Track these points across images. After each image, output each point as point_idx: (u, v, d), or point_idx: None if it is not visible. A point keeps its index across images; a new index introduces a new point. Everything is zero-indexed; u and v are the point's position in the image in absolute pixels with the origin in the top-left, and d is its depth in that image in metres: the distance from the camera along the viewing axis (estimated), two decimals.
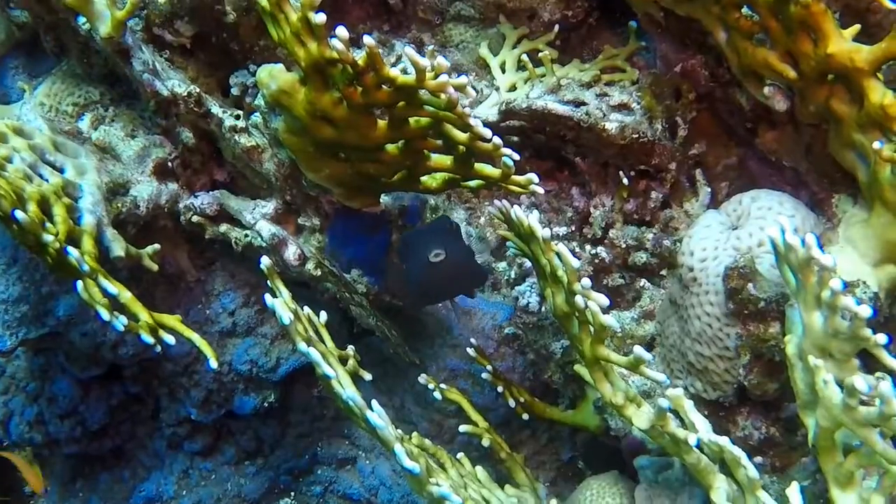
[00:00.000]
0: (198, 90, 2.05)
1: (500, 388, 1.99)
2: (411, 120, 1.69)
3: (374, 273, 2.14)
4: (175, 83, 2.05)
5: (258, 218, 2.15)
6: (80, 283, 1.58)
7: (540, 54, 2.36)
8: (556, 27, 2.44)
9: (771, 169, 2.16)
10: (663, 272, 2.19)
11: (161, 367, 2.43)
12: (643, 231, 2.19)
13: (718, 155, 2.27)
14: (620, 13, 2.47)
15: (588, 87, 2.29)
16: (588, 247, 2.20)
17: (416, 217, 2.16)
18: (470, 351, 2.03)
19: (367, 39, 1.52)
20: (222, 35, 2.15)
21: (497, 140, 1.64)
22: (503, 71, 2.45)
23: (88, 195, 1.91)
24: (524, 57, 2.40)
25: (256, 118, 2.06)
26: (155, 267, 1.99)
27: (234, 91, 2.19)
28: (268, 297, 1.58)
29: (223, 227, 2.20)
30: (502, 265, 2.29)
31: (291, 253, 2.09)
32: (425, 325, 2.23)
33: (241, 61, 2.20)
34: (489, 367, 2.00)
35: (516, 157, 1.68)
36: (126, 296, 1.69)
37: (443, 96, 1.58)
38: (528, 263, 2.18)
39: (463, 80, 1.53)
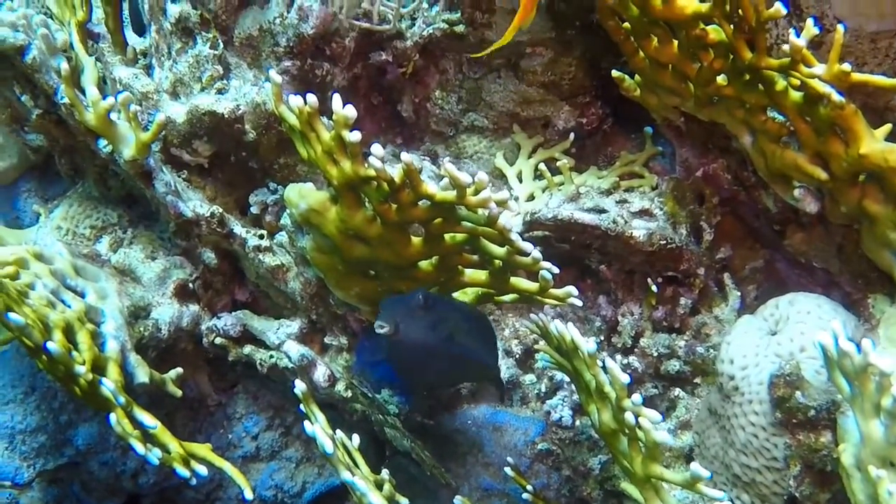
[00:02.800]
0: (220, 210, 2.02)
1: None
2: (447, 236, 1.65)
3: (404, 392, 2.08)
4: (196, 204, 2.02)
5: (283, 338, 2.10)
6: (113, 416, 1.52)
7: (558, 163, 2.35)
8: (572, 135, 2.43)
9: (800, 270, 2.13)
10: (697, 380, 2.14)
11: (181, 495, 2.34)
12: (674, 339, 2.15)
13: (744, 258, 2.24)
14: (634, 119, 2.47)
15: (608, 195, 2.27)
16: (619, 356, 2.15)
17: None
18: (507, 470, 1.96)
19: (405, 156, 1.50)
20: (241, 153, 2.13)
21: (536, 254, 1.60)
22: (520, 181, 2.44)
23: (111, 320, 1.86)
24: (542, 166, 2.38)
25: (282, 237, 2.03)
26: (179, 393, 1.93)
27: (254, 210, 2.15)
28: (307, 424, 1.53)
29: (247, 349, 2.15)
30: (529, 377, 2.23)
31: (321, 374, 2.04)
32: (456, 443, 2.16)
33: (261, 180, 2.18)
34: (529, 488, 1.93)
35: (556, 270, 1.65)
36: (156, 426, 1.62)
37: (483, 212, 1.54)
38: (559, 376, 2.13)
39: (505, 194, 1.50)
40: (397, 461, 2.24)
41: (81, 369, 1.50)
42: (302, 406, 1.68)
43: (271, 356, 2.12)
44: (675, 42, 1.85)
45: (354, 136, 1.54)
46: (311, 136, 1.63)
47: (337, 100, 1.55)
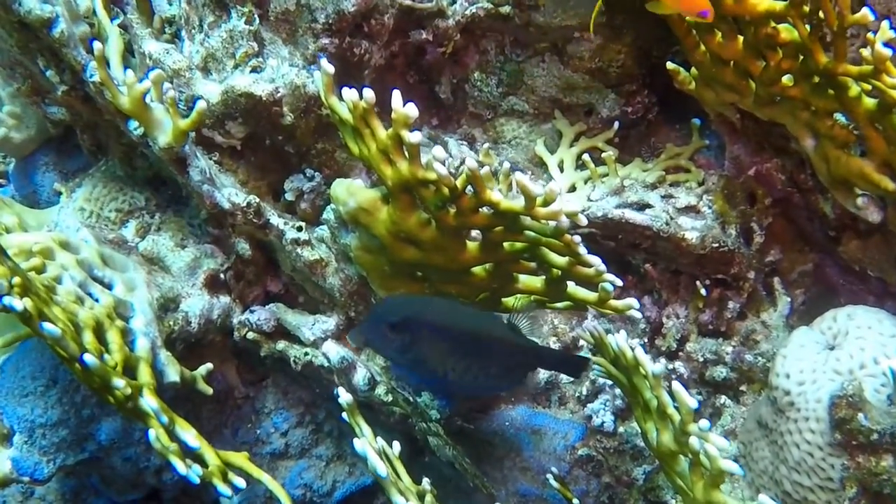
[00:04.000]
0: (257, 200, 1.92)
1: None
2: (506, 243, 1.56)
3: (445, 396, 2.00)
4: (232, 192, 1.92)
5: (318, 334, 2.01)
6: (153, 433, 1.43)
7: (603, 154, 2.26)
8: (616, 124, 2.33)
9: (852, 277, 2.06)
10: (743, 388, 2.07)
11: (206, 490, 2.25)
12: (721, 344, 2.08)
13: (793, 261, 2.16)
14: (680, 110, 2.38)
15: (652, 189, 2.19)
16: (663, 360, 2.07)
17: None
18: (551, 479, 1.88)
19: (470, 162, 1.40)
20: (277, 137, 2.02)
21: (601, 266, 1.51)
22: (561, 170, 2.34)
23: (140, 314, 1.77)
24: (586, 156, 2.29)
25: (322, 232, 1.93)
26: (210, 391, 1.85)
27: (289, 196, 2.06)
28: (357, 443, 1.45)
29: (281, 345, 2.06)
30: (566, 378, 2.15)
31: (361, 377, 1.95)
32: (493, 446, 2.09)
33: (296, 165, 2.07)
34: (575, 502, 1.85)
35: (619, 283, 1.56)
36: (199, 447, 1.54)
37: (551, 223, 1.45)
38: (601, 379, 2.05)
39: (576, 207, 1.40)
40: (430, 462, 2.16)
41: (120, 383, 1.42)
42: (346, 416, 1.59)
43: (306, 353, 2.03)
44: (741, 39, 1.75)
45: (414, 137, 1.44)
46: (364, 132, 1.54)
47: (397, 97, 1.45)
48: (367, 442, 1.46)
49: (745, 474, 1.95)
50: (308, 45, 2.06)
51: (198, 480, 1.45)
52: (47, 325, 1.34)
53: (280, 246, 1.97)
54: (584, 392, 2.08)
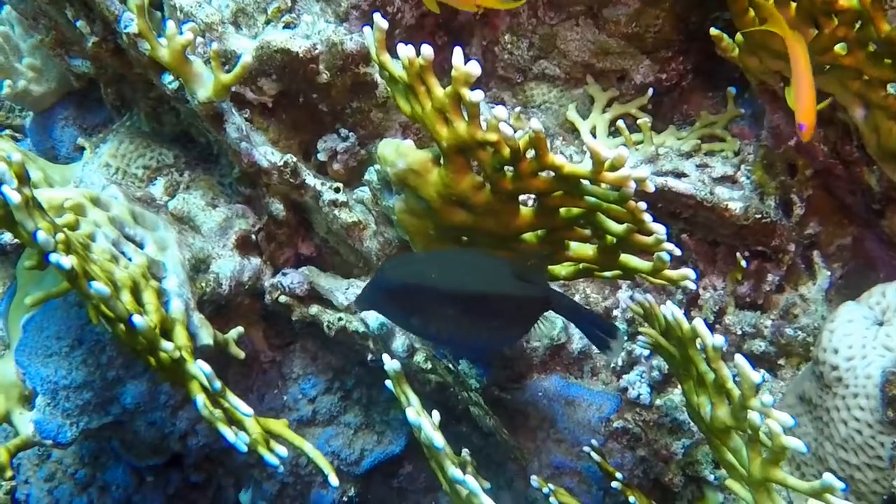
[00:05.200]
0: (294, 159, 1.86)
1: (632, 499, 1.80)
2: (562, 209, 1.51)
3: (484, 365, 1.95)
4: (268, 150, 1.85)
5: (352, 299, 1.95)
6: (201, 399, 1.37)
7: (639, 121, 2.21)
8: (651, 91, 2.28)
9: (894, 252, 2.01)
10: (781, 361, 2.04)
11: (230, 456, 2.21)
12: (760, 318, 2.04)
13: (832, 234, 2.13)
14: (713, 77, 2.33)
15: (687, 157, 2.15)
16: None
17: None
18: (592, 453, 1.84)
19: (535, 123, 1.34)
20: (311, 95, 1.96)
21: (662, 234, 1.46)
22: (594, 136, 2.29)
23: (173, 275, 1.70)
24: (620, 122, 2.24)
25: (362, 193, 1.87)
26: (242, 354, 1.79)
27: (321, 156, 1.99)
28: (410, 412, 1.39)
29: (314, 309, 2.00)
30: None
31: (400, 344, 1.89)
32: (527, 416, 2.04)
33: (330, 124, 2.01)
34: (619, 476, 1.81)
35: (678, 252, 1.51)
36: (251, 414, 1.48)
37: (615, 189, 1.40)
38: (637, 350, 2.01)
39: (645, 172, 1.35)
40: (458, 430, 2.12)
41: (169, 346, 1.36)
42: (391, 385, 1.54)
43: (340, 318, 1.97)
44: (794, 5, 1.69)
45: (475, 96, 1.38)
46: (420, 90, 1.47)
47: (458, 54, 1.39)
48: (425, 418, 1.40)
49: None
50: (341, 1, 2.00)
51: (245, 449, 1.39)
52: (97, 285, 1.28)
53: (316, 207, 1.91)
54: (620, 363, 2.04)
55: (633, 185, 1.35)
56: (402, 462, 2.34)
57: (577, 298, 2.13)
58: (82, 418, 1.86)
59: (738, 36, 1.90)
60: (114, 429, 1.96)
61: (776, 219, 1.98)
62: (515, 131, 1.38)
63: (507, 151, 1.41)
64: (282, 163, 1.85)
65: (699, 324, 1.46)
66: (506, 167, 1.46)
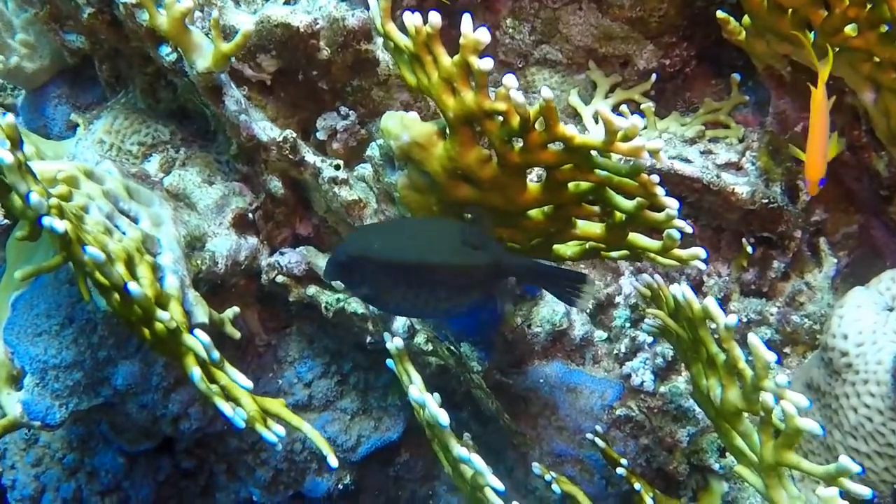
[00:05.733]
0: (294, 135, 1.81)
1: (637, 486, 1.76)
2: (570, 184, 1.46)
3: (485, 348, 1.91)
4: (267, 126, 1.81)
5: None
6: (197, 372, 1.33)
7: (642, 106, 2.18)
8: (654, 76, 2.24)
9: None
10: (787, 349, 2.00)
11: (223, 442, 2.15)
12: (766, 305, 2.00)
13: (837, 222, 2.10)
14: (716, 63, 2.30)
15: (691, 143, 2.12)
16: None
17: (535, 287, 1.93)
18: (596, 440, 1.80)
19: (546, 92, 1.30)
20: (311, 72, 1.91)
21: (673, 210, 1.42)
22: (596, 121, 2.25)
23: (168, 251, 1.66)
24: (624, 108, 2.20)
25: (364, 170, 1.83)
26: (237, 334, 1.75)
27: (320, 135, 1.95)
28: (413, 390, 1.35)
29: (311, 290, 1.95)
30: (599, 333, 2.06)
31: (400, 324, 1.85)
32: (528, 404, 2.00)
33: (330, 102, 1.97)
34: (624, 462, 1.77)
35: (689, 230, 1.47)
36: (250, 387, 1.43)
37: (629, 162, 1.36)
38: (641, 337, 1.97)
39: (659, 143, 1.31)
40: (458, 416, 2.08)
41: (166, 316, 1.31)
42: (392, 363, 1.49)
43: (338, 299, 1.93)
44: None
45: (485, 64, 1.34)
46: (426, 60, 1.43)
47: (467, 21, 1.35)
48: (428, 396, 1.36)
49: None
50: None
51: (243, 425, 1.35)
52: (91, 249, 1.24)
53: (315, 185, 1.87)
54: (623, 350, 2.00)
55: (647, 156, 1.31)
56: (398, 450, 2.30)
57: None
58: (72, 399, 1.81)
59: (746, 18, 1.87)
60: (104, 411, 1.91)
61: (783, 204, 1.95)
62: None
63: (516, 122, 1.37)
64: (281, 138, 1.81)
65: (711, 302, 1.43)
66: (514, 139, 1.42)
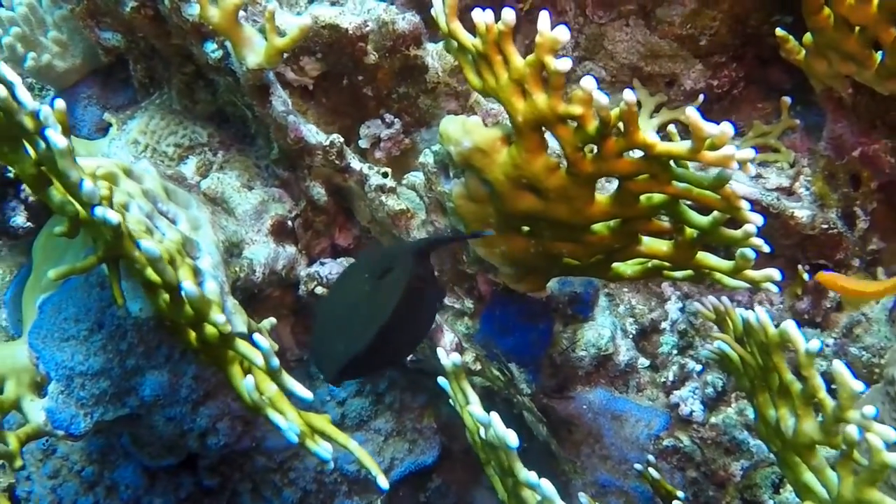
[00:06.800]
0: (341, 140, 1.74)
1: None
2: (643, 196, 1.39)
3: (533, 370, 1.82)
4: (313, 129, 1.73)
5: None
6: (250, 381, 1.24)
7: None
8: (701, 97, 2.17)
9: None
10: None
11: (250, 460, 2.06)
12: (821, 335, 1.92)
13: (895, 252, 2.01)
14: (766, 87, 2.24)
15: (741, 167, 2.03)
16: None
17: (587, 307, 1.85)
18: (650, 470, 1.71)
19: (628, 95, 1.23)
20: (356, 77, 1.84)
21: (751, 227, 1.34)
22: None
23: (207, 255, 1.57)
24: (671, 128, 2.12)
25: (414, 178, 1.75)
26: (276, 346, 1.64)
27: (363, 143, 1.88)
28: (475, 409, 1.27)
29: None
30: (642, 361, 1.98)
31: (448, 342, 1.76)
32: (571, 430, 1.91)
33: (373, 109, 1.90)
34: (680, 495, 1.67)
35: (766, 249, 1.39)
36: (273, 390, 1.35)
37: (709, 173, 1.28)
38: (690, 364, 1.89)
39: (749, 153, 1.23)
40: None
41: (221, 318, 1.22)
42: (447, 382, 1.41)
43: None
44: (876, 2, 1.60)
45: (562, 65, 1.26)
46: (495, 60, 1.36)
47: (544, 18, 1.27)
48: (495, 414, 1.27)
49: None
50: None
51: (296, 439, 1.26)
52: (146, 243, 1.15)
53: (360, 193, 1.79)
54: (671, 377, 1.92)
55: (736, 167, 1.23)
56: (430, 475, 2.20)
57: (620, 309, 2.01)
58: (97, 409, 1.72)
59: (806, 37, 1.81)
60: (127, 423, 1.81)
61: (842, 230, 1.88)
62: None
63: (592, 127, 1.29)
64: (328, 142, 1.73)
65: (791, 326, 1.35)
66: (587, 146, 1.34)
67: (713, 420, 1.87)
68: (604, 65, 2.25)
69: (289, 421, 1.26)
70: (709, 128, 1.20)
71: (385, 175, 1.77)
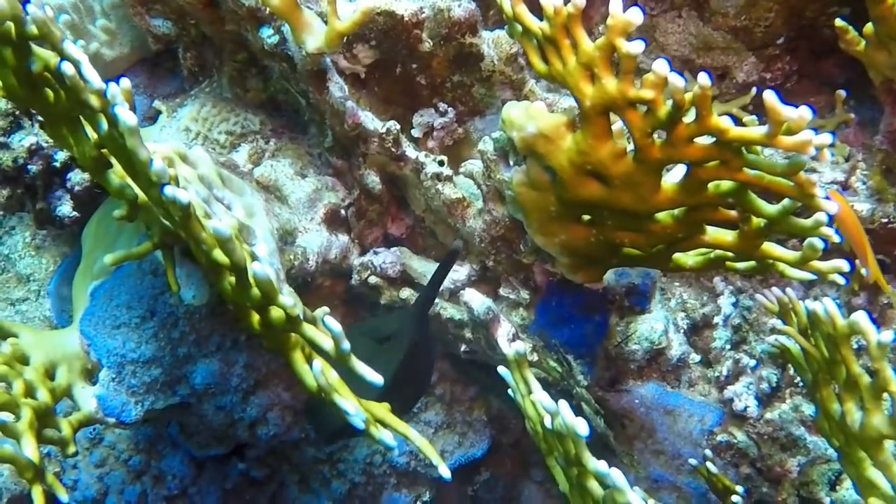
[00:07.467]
0: (398, 127, 1.72)
1: None
2: (711, 184, 1.36)
3: (591, 362, 1.80)
4: (370, 116, 1.71)
5: (447, 284, 1.80)
6: (319, 365, 1.22)
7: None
8: (754, 90, 2.14)
9: None
10: None
11: (298, 451, 2.04)
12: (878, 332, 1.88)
13: None
14: (819, 79, 2.20)
15: None
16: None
17: (645, 299, 1.82)
18: (707, 464, 1.68)
19: (702, 78, 1.20)
20: (410, 66, 1.82)
21: (822, 216, 1.31)
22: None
23: (262, 242, 1.55)
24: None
25: (473, 166, 1.72)
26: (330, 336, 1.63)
27: (416, 132, 1.85)
28: (542, 397, 1.24)
29: (405, 293, 1.85)
30: (694, 356, 1.95)
31: (505, 332, 1.73)
32: (623, 425, 1.88)
33: (426, 98, 1.87)
34: (740, 490, 1.64)
35: (836, 239, 1.36)
36: (335, 377, 1.33)
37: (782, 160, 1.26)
38: (745, 359, 1.86)
39: (828, 138, 1.20)
40: None
41: (290, 301, 1.20)
42: (507, 372, 1.39)
43: (434, 304, 1.82)
44: None
45: (634, 47, 1.24)
46: (563, 44, 1.33)
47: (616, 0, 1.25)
48: (564, 403, 1.25)
49: None
50: None
51: (363, 426, 1.24)
52: (215, 223, 1.14)
53: (415, 181, 1.77)
54: (725, 372, 1.88)
55: (813, 151, 1.20)
56: (479, 468, 2.18)
57: (672, 304, 1.98)
58: (148, 397, 1.71)
59: (868, 27, 1.78)
60: (176, 412, 1.80)
61: None
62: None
63: (664, 112, 1.27)
64: (384, 129, 1.72)
65: (862, 317, 1.32)
66: (656, 132, 1.31)
67: (768, 416, 1.83)
68: (655, 57, 2.21)
69: (357, 408, 1.23)
70: (787, 111, 1.18)
71: (441, 163, 1.75)
